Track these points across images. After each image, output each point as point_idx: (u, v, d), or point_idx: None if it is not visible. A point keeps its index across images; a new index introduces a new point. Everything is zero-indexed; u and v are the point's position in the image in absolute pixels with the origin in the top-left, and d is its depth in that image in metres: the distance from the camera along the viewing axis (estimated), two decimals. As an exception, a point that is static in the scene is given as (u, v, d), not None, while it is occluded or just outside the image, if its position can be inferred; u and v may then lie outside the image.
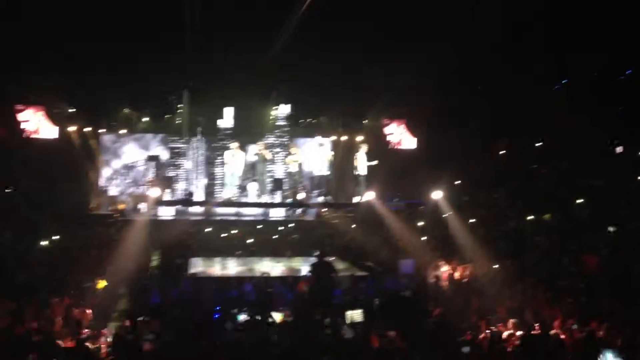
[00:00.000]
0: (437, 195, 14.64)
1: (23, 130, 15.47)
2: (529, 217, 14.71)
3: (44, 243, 13.84)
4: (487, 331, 9.43)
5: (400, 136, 17.35)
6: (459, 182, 16.48)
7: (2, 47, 12.59)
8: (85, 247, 14.22)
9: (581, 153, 15.07)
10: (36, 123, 15.64)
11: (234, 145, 15.27)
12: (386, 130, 17.40)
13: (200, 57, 14.41)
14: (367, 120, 17.90)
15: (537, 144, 16.56)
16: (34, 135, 15.58)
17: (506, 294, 11.39)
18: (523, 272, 12.64)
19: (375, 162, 14.64)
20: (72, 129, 16.44)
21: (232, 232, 17.06)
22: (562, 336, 8.54)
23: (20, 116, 15.51)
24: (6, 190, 15.24)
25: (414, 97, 15.58)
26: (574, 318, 9.41)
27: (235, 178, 15.27)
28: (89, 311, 10.54)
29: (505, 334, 9.12)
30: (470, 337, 8.89)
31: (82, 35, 13.15)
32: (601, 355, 6.48)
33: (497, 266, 12.98)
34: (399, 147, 17.30)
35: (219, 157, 17.00)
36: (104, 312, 10.75)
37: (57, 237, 14.16)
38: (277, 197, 15.97)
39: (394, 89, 15.02)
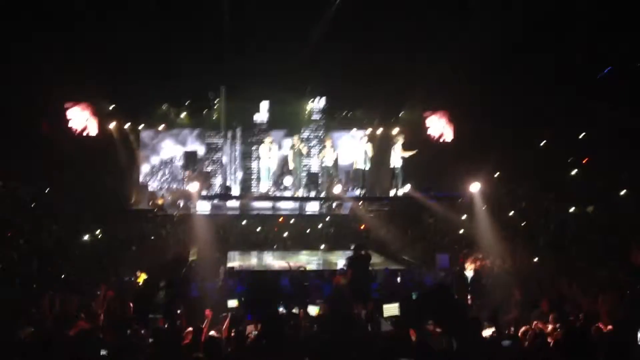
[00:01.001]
0: (475, 187, 14.41)
1: (70, 128, 15.79)
2: (571, 209, 14.35)
3: (86, 238, 14.18)
4: (529, 325, 9.24)
5: (442, 129, 17.06)
6: (498, 174, 16.16)
7: (43, 46, 12.92)
8: (125, 241, 14.51)
9: (623, 143, 14.60)
10: (83, 121, 15.97)
11: (269, 139, 15.37)
12: (427, 122, 17.13)
13: (237, 52, 14.52)
14: (403, 113, 17.72)
15: (580, 135, 16.11)
16: (81, 133, 15.90)
17: (548, 288, 11.16)
18: (565, 265, 12.36)
19: (413, 152, 14.41)
20: (112, 125, 16.79)
21: (269, 225, 17.14)
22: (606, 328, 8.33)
23: (68, 114, 15.83)
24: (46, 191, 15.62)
25: (452, 89, 15.34)
26: (620, 311, 9.17)
27: (270, 172, 15.34)
28: (130, 304, 10.74)
29: (548, 328, 8.93)
30: (511, 331, 8.75)
31: (120, 33, 13.44)
32: None
33: (537, 259, 12.73)
34: (440, 139, 17.02)
35: (254, 152, 17.11)
36: (145, 305, 10.91)
37: (99, 232, 14.48)
38: (313, 191, 15.98)
39: (432, 81, 14.83)
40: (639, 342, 6.36)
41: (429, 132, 17.02)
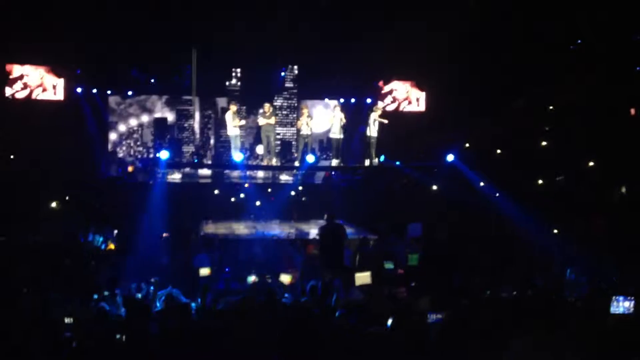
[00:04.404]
0: (450, 157, 14.47)
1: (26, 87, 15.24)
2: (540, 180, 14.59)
3: (53, 205, 13.89)
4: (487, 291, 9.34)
5: (407, 94, 17.08)
6: (470, 143, 16.28)
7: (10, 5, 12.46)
8: (94, 209, 14.24)
9: (594, 114, 14.80)
10: (38, 81, 15.36)
11: (234, 107, 14.69)
12: (393, 87, 17.14)
13: (209, 17, 14.14)
14: (378, 81, 17.60)
15: (550, 106, 16.26)
16: (37, 96, 15.34)
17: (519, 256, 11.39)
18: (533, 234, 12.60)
19: (385, 121, 14.31)
20: (79, 90, 16.30)
21: (242, 195, 17.00)
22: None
23: (21, 74, 15.27)
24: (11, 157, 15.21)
25: (424, 57, 15.26)
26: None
27: (238, 141, 14.75)
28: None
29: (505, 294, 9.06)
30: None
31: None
32: (613, 301, 6.44)
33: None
34: (408, 107, 17.05)
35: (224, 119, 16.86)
36: (115, 274, 10.80)
37: (66, 200, 14.19)
38: (286, 160, 15.84)
39: (403, 49, 14.71)
40: (612, 310, 6.45)
41: (395, 96, 17.04)
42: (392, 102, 17.25)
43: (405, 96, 17.17)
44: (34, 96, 15.29)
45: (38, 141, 14.69)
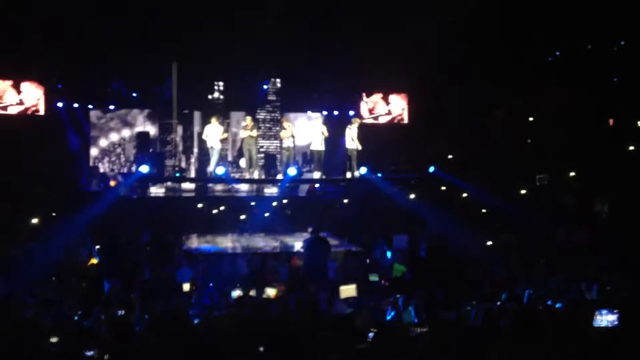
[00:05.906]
0: (431, 168, 14.55)
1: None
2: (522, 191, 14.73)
3: (34, 220, 13.70)
4: (473, 302, 9.37)
5: (400, 110, 17.15)
6: (452, 155, 16.40)
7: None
8: (76, 224, 14.05)
9: (575, 124, 15.00)
10: (34, 99, 15.18)
11: (216, 120, 14.48)
12: (389, 100, 17.20)
13: (191, 29, 14.13)
14: (361, 94, 17.66)
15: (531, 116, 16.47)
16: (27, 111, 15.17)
17: (499, 267, 11.45)
18: (517, 244, 12.69)
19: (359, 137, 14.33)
20: (60, 104, 16.14)
21: (224, 208, 16.90)
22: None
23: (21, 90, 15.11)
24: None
25: (409, 69, 15.35)
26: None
27: (217, 153, 14.49)
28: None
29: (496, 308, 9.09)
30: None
31: (69, 8, 12.90)
32: (597, 314, 6.40)
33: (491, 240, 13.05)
34: (396, 121, 17.12)
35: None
36: (96, 289, 10.67)
37: (47, 214, 14.01)
38: (269, 173, 15.80)
39: (390, 63, 14.81)
40: (595, 323, 6.41)
41: (390, 110, 17.10)
42: (387, 114, 17.28)
43: (400, 112, 17.22)
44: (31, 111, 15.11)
45: (18, 155, 14.49)
